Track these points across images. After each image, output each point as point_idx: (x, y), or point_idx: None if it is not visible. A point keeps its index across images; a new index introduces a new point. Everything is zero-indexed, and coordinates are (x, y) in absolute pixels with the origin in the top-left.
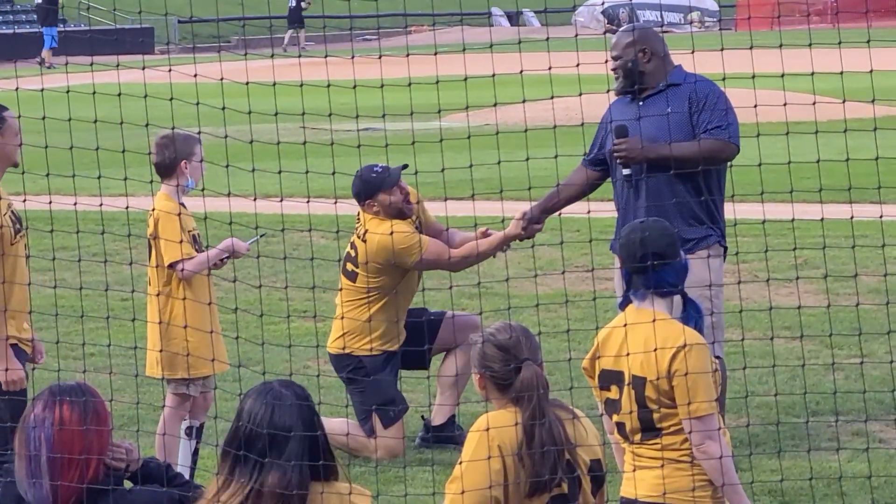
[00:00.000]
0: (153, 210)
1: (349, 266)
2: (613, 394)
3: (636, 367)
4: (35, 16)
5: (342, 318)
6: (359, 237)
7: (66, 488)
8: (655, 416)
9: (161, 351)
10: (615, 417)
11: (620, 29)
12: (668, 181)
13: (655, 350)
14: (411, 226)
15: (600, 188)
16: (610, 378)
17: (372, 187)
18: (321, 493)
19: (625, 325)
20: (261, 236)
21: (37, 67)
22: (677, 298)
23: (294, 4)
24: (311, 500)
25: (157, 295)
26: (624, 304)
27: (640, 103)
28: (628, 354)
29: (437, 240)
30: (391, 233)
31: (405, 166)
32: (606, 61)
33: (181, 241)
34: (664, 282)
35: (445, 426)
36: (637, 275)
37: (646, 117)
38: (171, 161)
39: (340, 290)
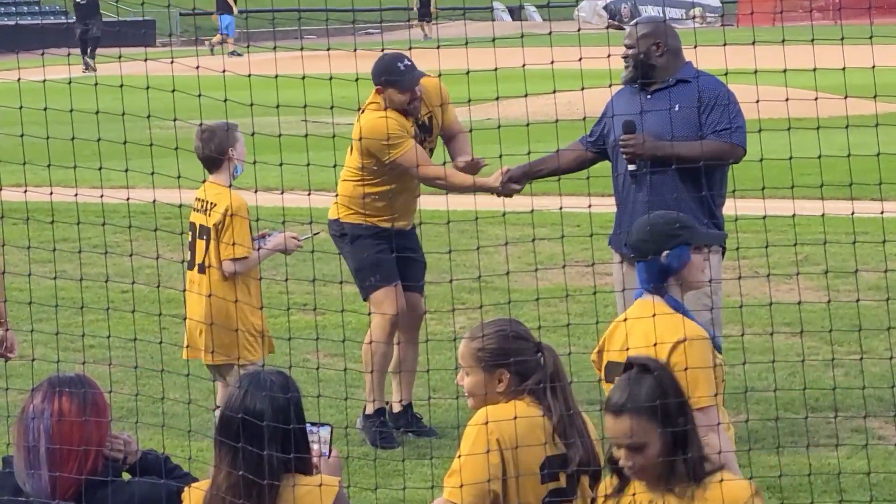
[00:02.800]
0: (219, 202)
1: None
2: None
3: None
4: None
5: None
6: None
7: (64, 479)
8: None
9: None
10: None
11: (638, 19)
12: (671, 177)
13: (655, 345)
14: (407, 125)
15: (601, 183)
16: (614, 371)
17: (387, 80)
18: (293, 486)
19: (625, 320)
20: (315, 234)
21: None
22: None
23: None
24: (282, 492)
25: (225, 279)
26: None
27: (648, 97)
28: (627, 349)
29: (423, 152)
30: (380, 119)
31: (424, 74)
32: (609, 56)
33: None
34: (640, 274)
35: (401, 415)
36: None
37: (652, 112)
38: (220, 152)
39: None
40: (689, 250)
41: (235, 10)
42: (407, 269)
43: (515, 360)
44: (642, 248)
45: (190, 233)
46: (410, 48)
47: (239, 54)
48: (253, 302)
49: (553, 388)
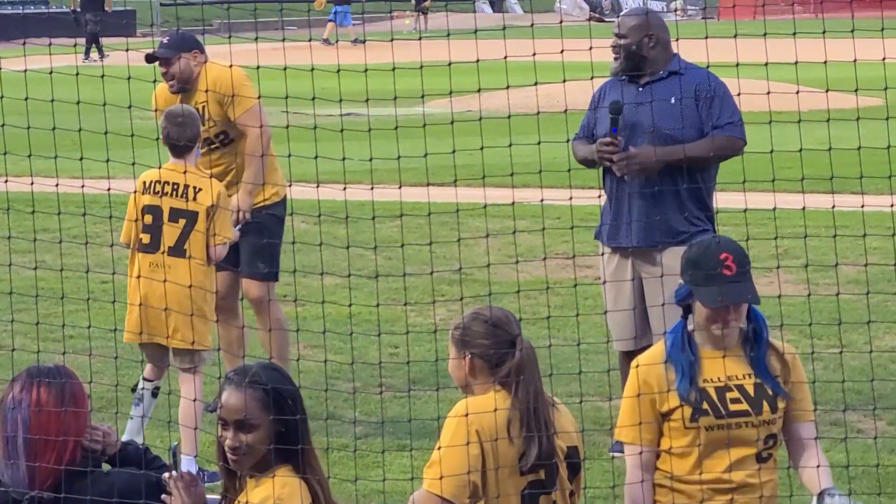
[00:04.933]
0: (206, 187)
1: None
2: None
3: None
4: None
5: None
6: None
7: (42, 470)
8: None
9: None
10: None
11: (629, 10)
12: (666, 170)
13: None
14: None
15: (582, 175)
16: None
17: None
18: (255, 478)
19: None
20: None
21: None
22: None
23: None
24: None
25: (203, 263)
26: None
27: (640, 89)
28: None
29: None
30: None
31: (166, 56)
32: (591, 48)
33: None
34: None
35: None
36: None
37: (647, 104)
38: (193, 138)
39: None
40: (691, 293)
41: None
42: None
43: (479, 346)
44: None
45: (149, 216)
46: (392, 39)
47: (362, 41)
48: (213, 287)
49: (517, 382)
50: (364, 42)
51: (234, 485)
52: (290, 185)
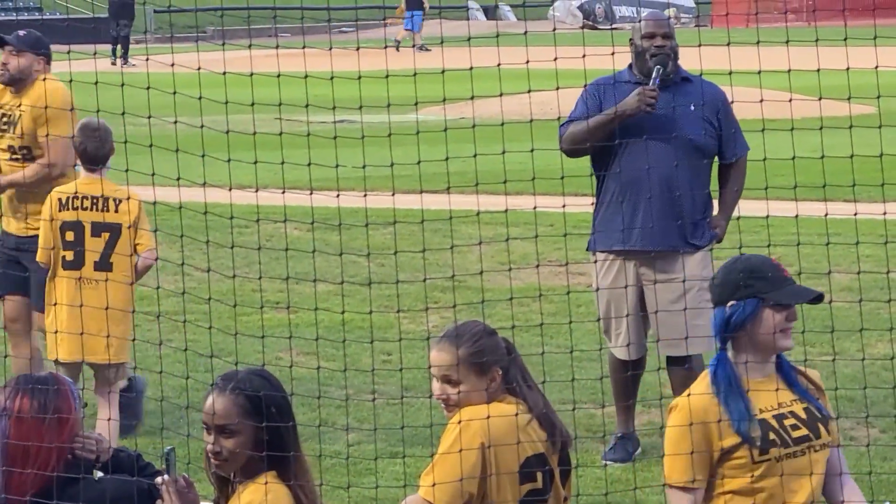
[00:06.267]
0: (125, 199)
1: None
2: None
3: None
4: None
5: None
6: None
7: (22, 478)
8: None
9: (134, 340)
10: None
11: (653, 13)
12: (683, 173)
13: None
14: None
15: (575, 182)
16: None
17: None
18: (243, 484)
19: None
20: None
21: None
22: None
23: None
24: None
25: (128, 277)
26: None
27: (654, 76)
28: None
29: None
30: None
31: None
32: (584, 56)
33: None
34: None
35: None
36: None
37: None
38: (110, 152)
39: None
40: (759, 305)
41: (427, 5)
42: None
43: (501, 357)
44: (713, 292)
45: (70, 232)
46: (385, 47)
47: (427, 49)
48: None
49: (526, 380)
50: (429, 49)
51: (225, 492)
52: (283, 192)
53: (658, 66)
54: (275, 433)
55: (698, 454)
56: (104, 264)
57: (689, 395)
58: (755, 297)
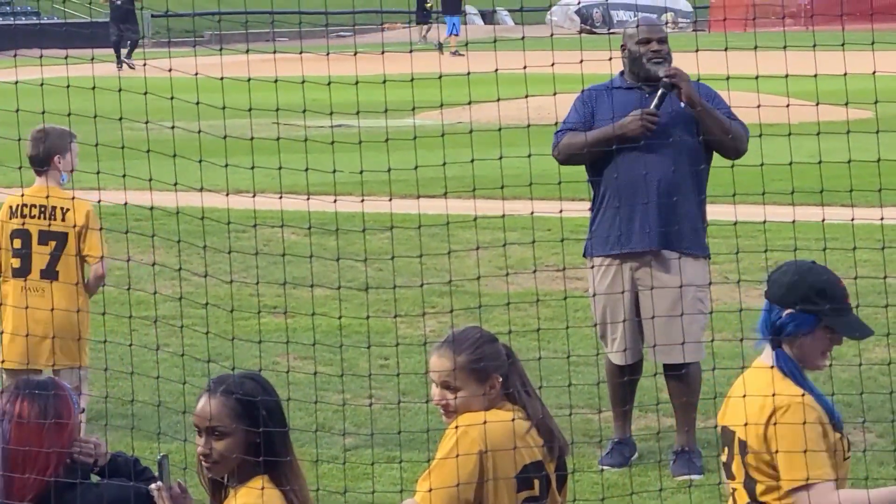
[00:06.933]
0: (71, 207)
1: None
2: (724, 456)
3: (741, 429)
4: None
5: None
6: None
7: (22, 482)
8: (759, 487)
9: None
10: (728, 485)
11: (646, 18)
12: (681, 179)
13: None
14: None
15: (572, 188)
16: (725, 437)
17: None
18: (234, 487)
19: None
20: None
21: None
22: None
23: None
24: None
25: (76, 284)
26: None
27: (646, 95)
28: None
29: None
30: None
31: None
32: (581, 61)
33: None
34: (769, 326)
35: None
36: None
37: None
38: (45, 155)
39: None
40: (817, 325)
41: (465, 9)
42: None
43: (501, 364)
44: (774, 286)
45: (18, 240)
46: (383, 52)
47: (461, 54)
48: (87, 308)
49: (525, 387)
50: (462, 55)
51: (218, 497)
52: (280, 197)
53: (664, 91)
54: (266, 437)
55: (829, 450)
56: (49, 273)
57: (774, 394)
58: (816, 316)
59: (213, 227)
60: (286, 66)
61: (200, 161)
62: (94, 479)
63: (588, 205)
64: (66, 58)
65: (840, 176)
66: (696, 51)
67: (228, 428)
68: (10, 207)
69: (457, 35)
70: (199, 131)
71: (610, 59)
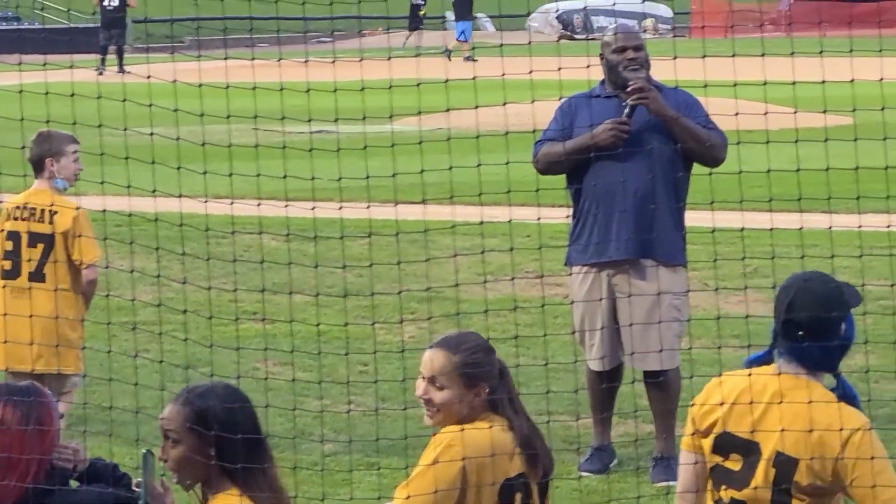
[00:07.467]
0: (59, 210)
1: None
2: (732, 464)
3: (788, 447)
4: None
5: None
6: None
7: (3, 488)
8: (796, 501)
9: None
10: (728, 491)
11: (622, 25)
12: (658, 186)
13: (812, 430)
14: None
15: (551, 194)
16: (735, 445)
17: None
18: (212, 494)
19: (774, 398)
20: None
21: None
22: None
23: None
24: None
25: (64, 289)
26: (763, 361)
27: (624, 104)
28: (783, 430)
29: None
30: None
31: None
32: (560, 69)
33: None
34: (811, 356)
35: None
36: (783, 338)
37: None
38: (38, 158)
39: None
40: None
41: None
42: None
43: (491, 376)
44: (822, 325)
45: (10, 242)
46: (361, 59)
47: (474, 59)
48: (79, 314)
49: (513, 403)
50: (476, 61)
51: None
52: (259, 204)
53: (633, 105)
54: (223, 447)
55: None
56: (38, 275)
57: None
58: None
59: (191, 233)
60: (265, 72)
61: (179, 168)
62: (73, 484)
63: (567, 211)
64: (44, 64)
65: (818, 183)
66: (675, 58)
67: (180, 435)
68: (8, 209)
69: (466, 41)
70: (178, 139)
71: (588, 66)
